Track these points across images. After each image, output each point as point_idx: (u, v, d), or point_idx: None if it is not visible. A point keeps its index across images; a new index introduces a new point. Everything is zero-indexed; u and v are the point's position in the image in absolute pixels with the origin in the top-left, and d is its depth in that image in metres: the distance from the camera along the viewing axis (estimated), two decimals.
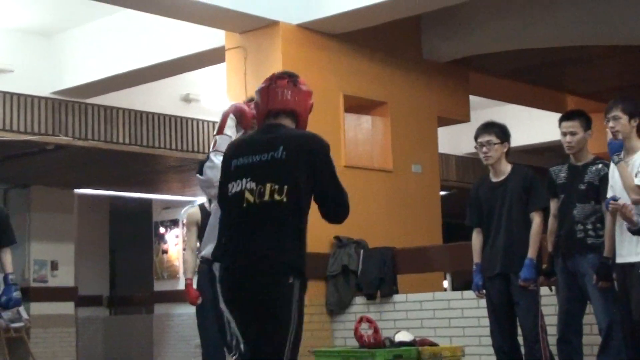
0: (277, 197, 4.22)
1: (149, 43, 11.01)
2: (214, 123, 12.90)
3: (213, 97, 12.78)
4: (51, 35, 12.05)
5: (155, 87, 12.56)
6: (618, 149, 5.91)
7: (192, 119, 13.24)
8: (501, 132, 6.75)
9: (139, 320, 18.58)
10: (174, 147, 13.03)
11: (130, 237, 19.16)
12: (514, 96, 14.02)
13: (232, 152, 4.49)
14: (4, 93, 11.55)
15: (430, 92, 11.12)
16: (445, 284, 10.40)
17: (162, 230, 17.76)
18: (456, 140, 15.23)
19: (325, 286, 9.37)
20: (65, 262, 16.03)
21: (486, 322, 6.89)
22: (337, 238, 9.47)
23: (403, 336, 8.20)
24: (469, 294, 7.69)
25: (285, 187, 4.23)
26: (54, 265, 15.87)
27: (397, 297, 9.01)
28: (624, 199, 5.80)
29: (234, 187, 4.35)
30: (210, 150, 5.21)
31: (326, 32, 9.83)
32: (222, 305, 4.40)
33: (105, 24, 11.53)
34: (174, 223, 17.52)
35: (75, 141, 12.14)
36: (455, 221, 9.95)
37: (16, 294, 7.74)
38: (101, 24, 11.59)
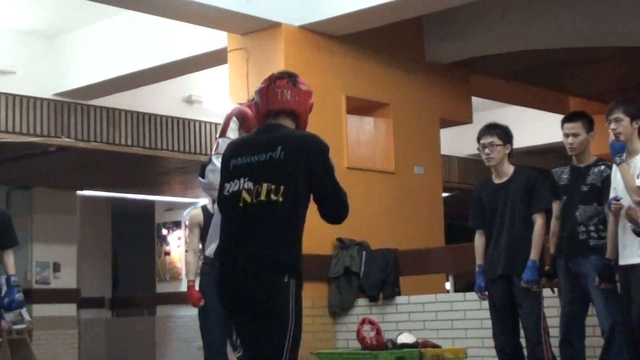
0: (273, 197, 4.22)
1: (151, 45, 11.02)
2: (216, 124, 12.94)
3: (215, 99, 12.79)
4: (54, 36, 12.06)
5: (158, 89, 12.57)
6: (620, 150, 5.91)
7: (195, 121, 13.25)
8: (504, 134, 6.74)
9: (141, 322, 18.59)
10: (176, 148, 13.03)
11: (133, 239, 19.17)
12: (516, 97, 14.02)
13: (231, 152, 4.49)
14: (7, 94, 11.57)
15: (433, 94, 11.12)
16: (448, 285, 10.40)
17: (164, 231, 17.77)
18: (458, 141, 15.23)
19: (327, 288, 9.36)
20: (67, 264, 16.04)
21: (489, 323, 6.88)
22: (339, 240, 9.47)
23: (405, 338, 8.19)
24: (472, 295, 7.69)
25: (282, 187, 4.22)
26: (56, 267, 15.88)
27: (399, 299, 9.01)
28: (626, 200, 5.80)
29: (232, 187, 4.35)
30: (213, 153, 5.21)
31: (328, 34, 9.83)
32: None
33: (108, 25, 11.54)
34: (177, 225, 17.54)
35: (77, 143, 12.15)
36: (458, 223, 9.97)
37: (18, 296, 7.72)
38: (103, 26, 11.60)
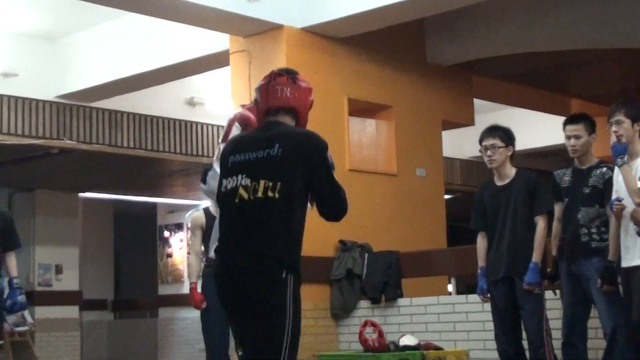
0: (270, 194, 4.23)
1: (153, 47, 11.02)
2: (218, 127, 12.96)
3: (217, 101, 12.80)
4: (56, 39, 12.08)
5: (160, 91, 12.58)
6: (622, 152, 5.90)
7: (197, 123, 13.26)
8: (506, 136, 6.74)
9: (143, 324, 18.59)
10: (178, 150, 13.04)
11: (135, 241, 19.17)
12: (518, 99, 14.02)
13: (230, 149, 4.50)
14: (9, 97, 11.58)
15: (435, 96, 11.12)
16: (450, 287, 10.38)
17: (166, 234, 17.76)
18: (460, 143, 15.22)
19: (329, 290, 9.37)
20: (69, 266, 16.04)
21: (491, 326, 6.88)
22: (341, 242, 9.48)
23: (408, 340, 8.20)
24: (474, 297, 7.69)
25: (279, 184, 4.23)
26: (59, 269, 15.88)
27: (401, 301, 9.00)
28: (627, 202, 5.80)
29: (230, 184, 4.36)
30: (214, 159, 5.21)
31: (330, 36, 9.84)
32: None
33: (110, 27, 11.55)
34: (179, 227, 17.53)
35: (79, 145, 12.16)
36: (460, 225, 9.97)
37: (21, 298, 7.73)
38: (105, 28, 11.61)
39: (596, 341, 6.76)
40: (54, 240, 15.77)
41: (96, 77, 11.69)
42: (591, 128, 6.50)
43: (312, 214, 4.38)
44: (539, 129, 14.83)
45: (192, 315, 14.81)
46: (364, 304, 9.26)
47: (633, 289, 5.82)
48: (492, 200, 6.72)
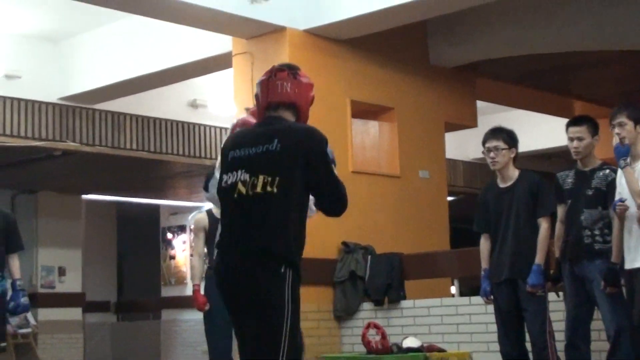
0: (269, 188, 4.23)
1: (156, 49, 11.03)
2: (221, 129, 12.97)
3: (220, 103, 12.81)
4: (59, 41, 12.09)
5: (163, 93, 12.59)
6: (625, 153, 5.90)
7: (200, 125, 13.26)
8: (509, 138, 6.74)
9: (146, 326, 18.59)
10: (181, 152, 13.05)
11: (138, 243, 19.19)
12: (521, 101, 14.02)
13: (230, 144, 4.50)
14: (12, 99, 11.59)
15: (438, 98, 11.12)
16: (453, 289, 10.38)
17: (169, 236, 17.77)
18: (463, 145, 15.22)
19: (332, 292, 9.35)
20: (72, 268, 16.06)
21: (494, 327, 6.88)
22: (344, 244, 9.47)
23: (411, 342, 8.19)
24: (477, 299, 7.69)
25: (277, 178, 4.23)
26: (62, 271, 15.90)
27: (404, 303, 9.00)
28: (630, 203, 5.80)
29: (230, 179, 4.36)
30: (216, 166, 5.21)
31: (333, 38, 9.84)
32: None
33: (113, 29, 11.56)
34: (182, 229, 17.54)
35: (82, 147, 12.17)
36: (463, 226, 9.94)
37: (24, 300, 7.74)
38: (108, 30, 11.62)
39: (599, 343, 6.76)
40: (56, 242, 15.78)
41: (99, 79, 11.70)
42: (594, 130, 6.50)
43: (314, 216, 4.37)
44: (541, 131, 14.82)
45: (195, 317, 14.80)
46: (367, 305, 9.26)
47: (636, 291, 5.82)
48: (495, 202, 6.72)
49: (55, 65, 12.05)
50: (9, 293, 7.74)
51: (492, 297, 6.74)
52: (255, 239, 4.22)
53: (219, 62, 10.55)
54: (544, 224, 6.51)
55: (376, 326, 8.23)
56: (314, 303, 8.94)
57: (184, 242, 17.37)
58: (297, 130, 4.36)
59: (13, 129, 11.53)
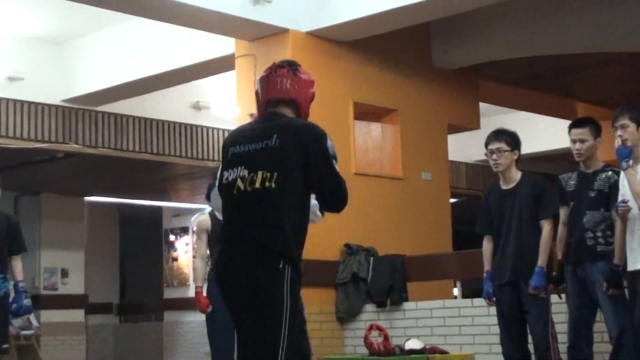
0: (267, 184, 4.22)
1: (159, 51, 11.04)
2: (224, 130, 12.97)
3: (223, 105, 12.81)
4: (61, 43, 12.10)
5: (166, 95, 12.60)
6: (627, 155, 5.90)
7: (202, 127, 13.27)
8: (511, 140, 6.74)
9: (148, 327, 18.61)
10: (184, 154, 13.05)
11: (140, 245, 19.20)
12: (523, 103, 14.01)
13: (230, 140, 4.50)
14: (15, 101, 11.59)
15: (440, 100, 11.12)
16: (456, 291, 10.38)
17: (172, 237, 17.79)
18: (466, 147, 15.21)
19: (335, 294, 9.35)
20: (75, 270, 16.08)
21: (496, 329, 6.87)
22: (347, 245, 9.47)
23: (413, 344, 8.19)
24: (479, 301, 7.68)
25: (276, 174, 4.22)
26: (64, 273, 15.92)
27: (407, 305, 9.00)
28: (632, 205, 5.80)
29: (230, 175, 4.36)
30: (219, 174, 5.21)
31: (336, 40, 9.84)
32: None
33: (116, 31, 11.57)
34: (184, 230, 17.56)
35: (85, 149, 12.18)
36: (465, 228, 9.96)
37: (26, 302, 7.74)
38: (111, 32, 11.63)
39: (602, 345, 6.76)
40: (59, 244, 15.80)
41: (102, 81, 11.71)
42: (596, 132, 6.50)
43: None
44: (544, 133, 14.82)
45: (197, 319, 14.80)
46: (369, 307, 9.25)
47: (638, 292, 5.82)
48: (498, 204, 6.72)
49: (58, 67, 12.06)
50: (12, 295, 7.74)
51: (494, 299, 6.74)
52: (254, 236, 4.22)
53: (222, 64, 10.56)
54: (546, 226, 6.51)
55: (378, 328, 8.23)
56: (316, 305, 8.94)
57: (187, 244, 17.39)
58: (296, 125, 4.35)
59: (16, 131, 11.54)
